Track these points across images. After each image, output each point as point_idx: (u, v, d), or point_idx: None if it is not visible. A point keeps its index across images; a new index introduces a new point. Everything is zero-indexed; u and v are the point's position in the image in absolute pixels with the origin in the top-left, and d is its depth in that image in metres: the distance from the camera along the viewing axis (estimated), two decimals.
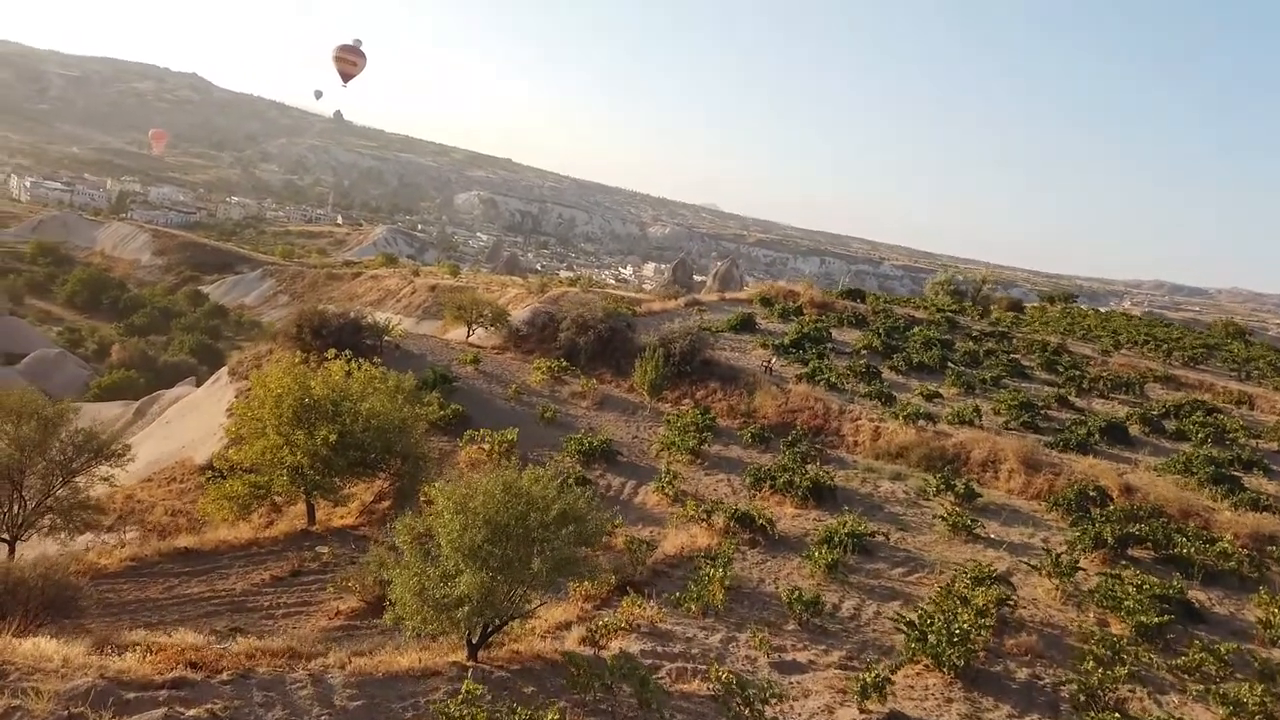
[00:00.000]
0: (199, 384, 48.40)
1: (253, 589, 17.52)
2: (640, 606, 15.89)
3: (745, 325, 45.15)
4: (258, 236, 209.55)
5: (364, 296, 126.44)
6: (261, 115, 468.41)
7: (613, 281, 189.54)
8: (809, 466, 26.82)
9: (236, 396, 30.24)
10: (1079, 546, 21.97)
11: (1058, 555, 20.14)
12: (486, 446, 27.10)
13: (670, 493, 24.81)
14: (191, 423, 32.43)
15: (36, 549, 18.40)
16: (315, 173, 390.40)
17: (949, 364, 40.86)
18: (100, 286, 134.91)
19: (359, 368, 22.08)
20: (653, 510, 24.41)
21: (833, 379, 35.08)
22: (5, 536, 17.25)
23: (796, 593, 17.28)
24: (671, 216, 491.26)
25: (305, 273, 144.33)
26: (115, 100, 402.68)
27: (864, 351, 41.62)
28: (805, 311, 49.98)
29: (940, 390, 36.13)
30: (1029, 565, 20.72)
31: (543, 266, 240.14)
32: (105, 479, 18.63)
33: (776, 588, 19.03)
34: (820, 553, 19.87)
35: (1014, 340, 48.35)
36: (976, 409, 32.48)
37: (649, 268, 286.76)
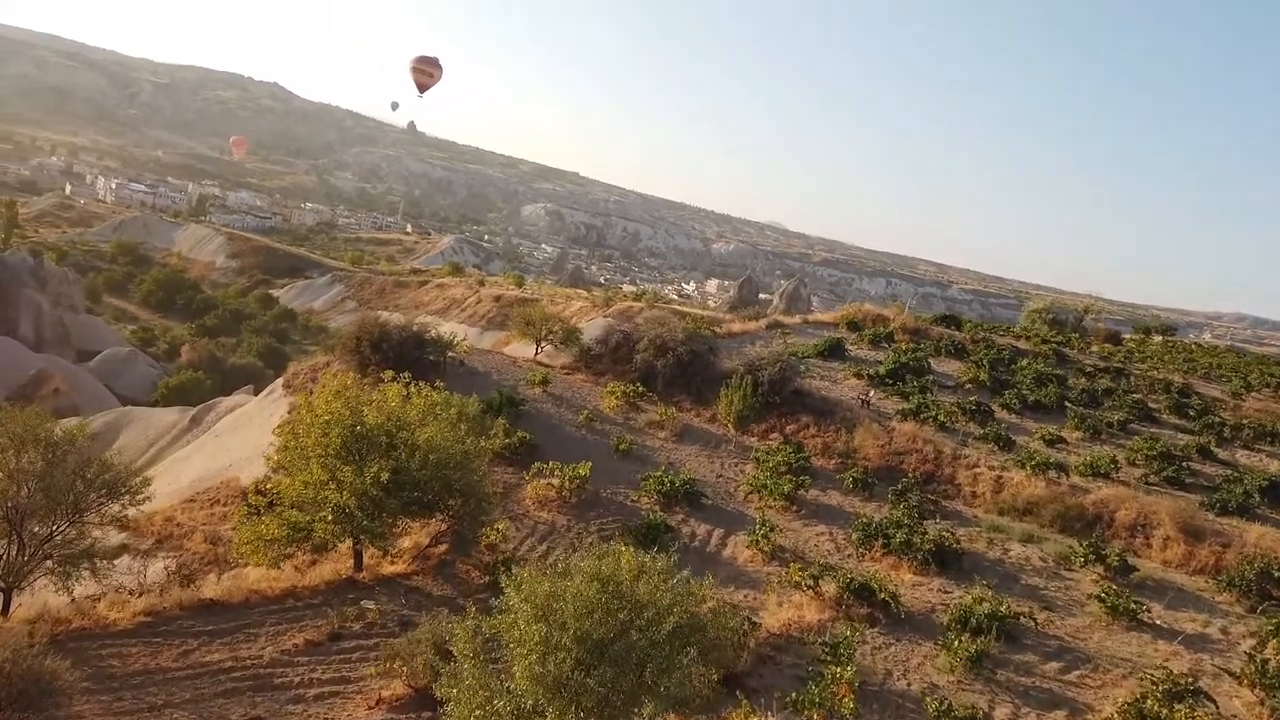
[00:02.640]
0: (258, 391, 46.61)
1: (283, 657, 14.70)
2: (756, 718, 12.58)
3: (834, 351, 41.46)
4: (329, 242, 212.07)
5: (430, 305, 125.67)
6: (338, 125, 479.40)
7: (675, 297, 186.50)
8: (927, 523, 23.15)
9: (289, 412, 27.78)
10: (1271, 642, 17.92)
11: (1263, 660, 16.18)
12: (556, 482, 24.09)
13: (766, 548, 21.42)
14: (241, 438, 30.18)
15: (41, 596, 15.95)
16: (388, 181, 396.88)
17: (1066, 403, 36.60)
18: (175, 287, 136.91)
19: (419, 391, 19.27)
20: (745, 568, 21.06)
21: (940, 417, 31.26)
22: (1, 585, 14.79)
23: (944, 704, 13.76)
24: (735, 233, 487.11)
25: (373, 279, 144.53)
26: (201, 107, 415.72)
27: (969, 386, 37.59)
28: (897, 338, 46.01)
29: (1062, 434, 31.99)
30: (1217, 668, 16.80)
31: (606, 279, 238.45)
32: (117, 519, 15.99)
33: (909, 684, 15.53)
34: (959, 641, 16.28)
35: (1131, 377, 43.68)
36: (1113, 460, 28.32)
37: (712, 284, 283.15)
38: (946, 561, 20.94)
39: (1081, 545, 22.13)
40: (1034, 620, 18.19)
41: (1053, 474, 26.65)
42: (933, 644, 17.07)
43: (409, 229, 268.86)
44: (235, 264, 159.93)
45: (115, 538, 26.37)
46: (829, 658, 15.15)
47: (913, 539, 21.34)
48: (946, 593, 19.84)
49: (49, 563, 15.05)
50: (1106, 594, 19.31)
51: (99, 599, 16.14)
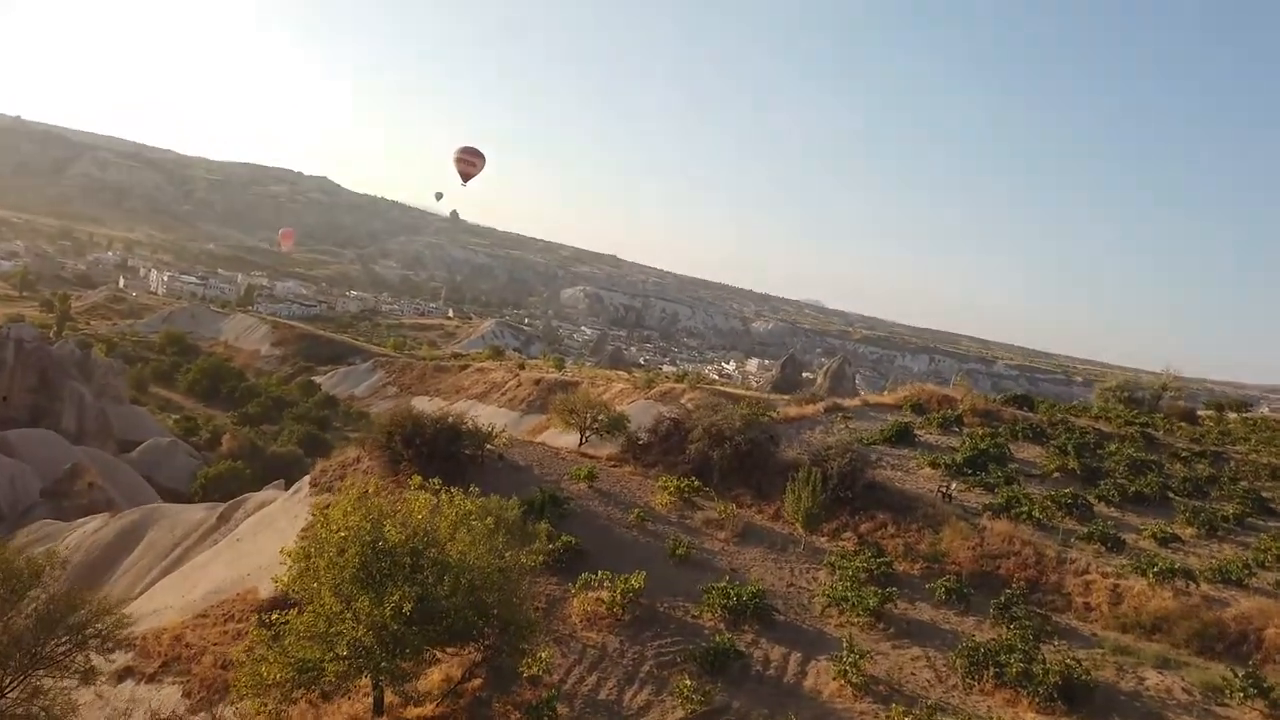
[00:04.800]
0: (291, 484, 44.44)
1: None
2: None
3: (902, 437, 38.26)
4: (372, 329, 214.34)
5: (470, 389, 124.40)
6: (384, 215, 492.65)
7: (716, 377, 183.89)
8: (1044, 647, 19.69)
9: (312, 514, 25.32)
10: None
11: None
12: (606, 596, 21.14)
13: (856, 679, 18.13)
14: (262, 542, 27.74)
15: None
16: (430, 268, 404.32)
17: (1170, 493, 32.88)
18: (220, 375, 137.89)
19: (450, 499, 16.69)
20: (833, 705, 17.75)
21: (1035, 513, 27.83)
22: None
23: None
24: (774, 312, 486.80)
25: (414, 364, 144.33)
26: (252, 202, 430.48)
27: (1057, 475, 34.08)
28: (967, 421, 42.69)
29: (1174, 530, 28.31)
30: None
31: (646, 360, 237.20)
32: (82, 672, 13.31)
33: None
34: None
35: (1231, 461, 39.71)
36: (1247, 565, 24.62)
37: (753, 363, 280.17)
38: (1075, 696, 17.46)
39: (1235, 675, 18.49)
40: None
41: (1179, 582, 23.03)
42: None
43: (450, 314, 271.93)
44: (279, 351, 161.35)
45: (120, 659, 23.92)
46: None
47: (1031, 668, 17.92)
48: None
49: None
50: None
51: None
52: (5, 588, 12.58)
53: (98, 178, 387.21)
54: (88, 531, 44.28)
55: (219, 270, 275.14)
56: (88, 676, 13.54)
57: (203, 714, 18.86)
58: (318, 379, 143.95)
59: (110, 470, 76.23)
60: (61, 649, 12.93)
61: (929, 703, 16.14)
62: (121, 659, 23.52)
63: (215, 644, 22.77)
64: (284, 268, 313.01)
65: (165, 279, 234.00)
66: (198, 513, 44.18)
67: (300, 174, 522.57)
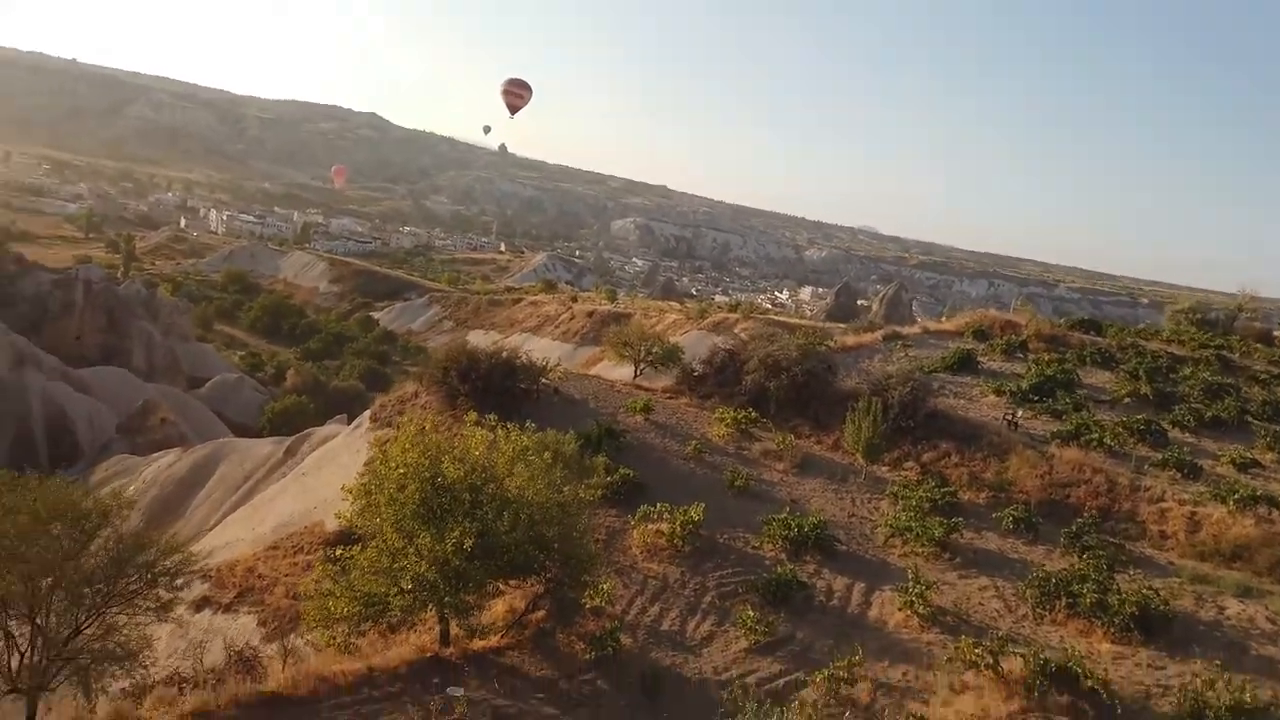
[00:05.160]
0: (354, 417, 45.28)
1: None
2: None
3: (964, 364, 37.24)
4: (426, 264, 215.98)
5: (524, 322, 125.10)
6: (433, 150, 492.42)
7: (769, 306, 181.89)
8: (1118, 577, 19.14)
9: (372, 451, 25.66)
10: None
11: None
12: (666, 528, 21.08)
13: (922, 610, 17.86)
14: (326, 477, 28.29)
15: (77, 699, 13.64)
16: (481, 203, 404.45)
17: (1249, 418, 31.54)
18: (281, 313, 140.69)
19: (506, 435, 16.57)
20: (899, 635, 17.53)
21: (1107, 440, 26.90)
22: (22, 686, 12.63)
23: None
24: (827, 239, 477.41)
25: (469, 299, 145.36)
26: (304, 140, 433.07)
27: (1129, 401, 32.88)
28: (1032, 347, 41.35)
29: (1253, 455, 27.17)
30: None
31: (698, 291, 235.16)
32: (159, 607, 13.58)
33: None
34: None
35: None
36: None
37: (806, 291, 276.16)
38: (1152, 626, 16.96)
39: None
40: None
41: (1261, 509, 22.14)
42: None
43: (502, 248, 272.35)
44: (337, 288, 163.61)
45: (197, 589, 24.77)
46: None
47: (1106, 598, 17.42)
48: (1159, 668, 15.93)
49: (75, 662, 12.82)
50: None
51: (144, 695, 13.93)
52: (76, 528, 12.85)
53: (152, 119, 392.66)
54: (162, 466, 45.87)
55: (275, 209, 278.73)
56: (164, 610, 13.83)
57: (277, 643, 19.41)
58: (375, 314, 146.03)
59: (181, 406, 78.75)
60: (132, 586, 13.22)
61: (999, 634, 15.78)
62: (199, 589, 24.39)
63: (286, 575, 23.43)
64: (338, 205, 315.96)
65: (224, 218, 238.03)
66: (265, 446, 45.39)
67: (350, 110, 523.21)
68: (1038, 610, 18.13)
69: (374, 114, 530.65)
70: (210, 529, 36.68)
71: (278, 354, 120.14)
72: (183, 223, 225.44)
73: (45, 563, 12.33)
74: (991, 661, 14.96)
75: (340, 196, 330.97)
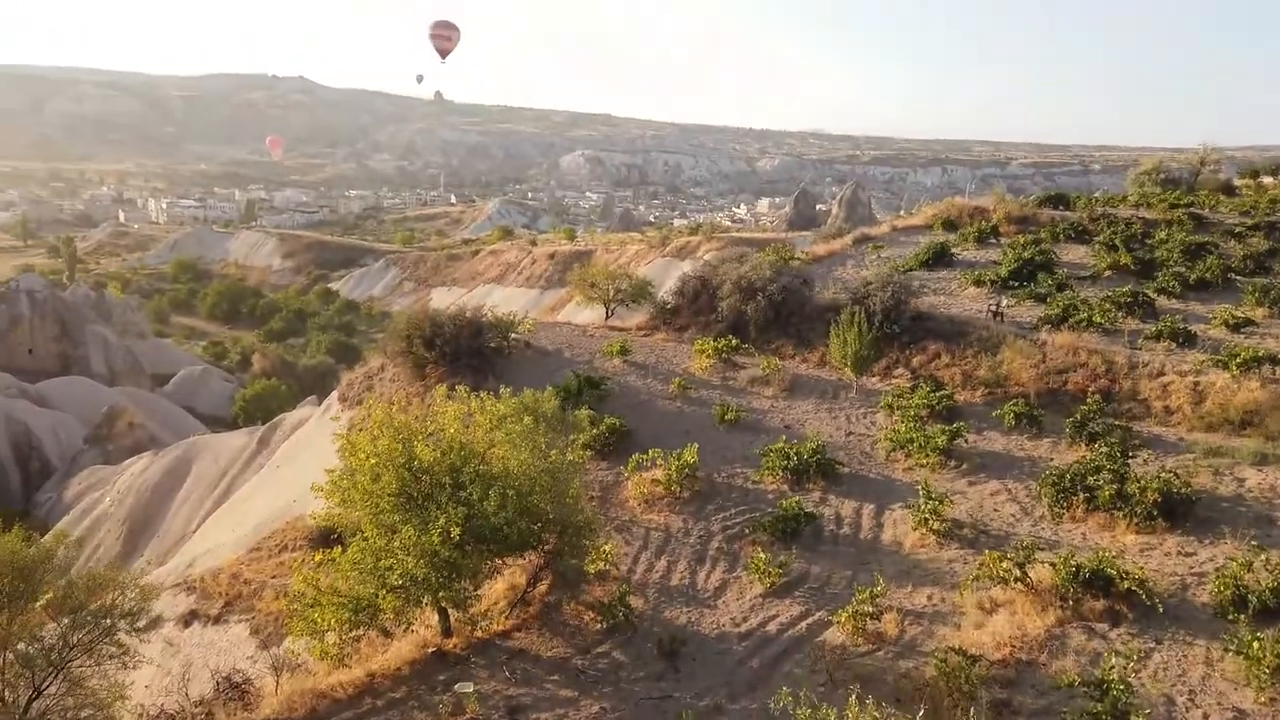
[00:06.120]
0: (325, 397, 43.81)
1: None
2: None
3: (939, 259, 36.34)
4: (378, 226, 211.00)
5: (485, 273, 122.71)
6: (368, 106, 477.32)
7: (729, 223, 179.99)
8: (1132, 462, 18.49)
9: (348, 430, 24.38)
10: None
11: None
12: (661, 475, 20.16)
13: (937, 525, 17.15)
14: (301, 467, 27.09)
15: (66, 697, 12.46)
16: (425, 156, 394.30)
17: (1232, 275, 30.99)
18: (237, 296, 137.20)
19: (481, 406, 15.37)
20: (917, 555, 16.83)
21: (1096, 318, 26.15)
22: None
23: None
24: (778, 147, 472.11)
25: (426, 257, 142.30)
26: (232, 114, 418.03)
27: (1110, 274, 32.20)
28: (1003, 231, 40.53)
29: (1244, 314, 26.60)
30: None
31: (656, 217, 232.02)
32: (119, 655, 12.38)
33: (1205, 715, 11.25)
34: (1255, 640, 11.85)
35: None
36: None
37: (763, 204, 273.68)
38: (1176, 511, 16.34)
39: None
40: None
41: (1265, 369, 21.55)
42: (1207, 642, 12.70)
43: (453, 200, 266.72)
44: (291, 263, 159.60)
45: (184, 602, 23.73)
46: (1094, 696, 10.93)
47: (1125, 487, 16.75)
48: (1188, 554, 15.34)
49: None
50: None
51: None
52: (18, 582, 11.60)
53: (76, 112, 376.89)
54: (135, 473, 44.38)
55: (215, 189, 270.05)
56: (126, 656, 12.68)
57: (271, 651, 18.48)
58: (334, 285, 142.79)
59: (149, 406, 76.68)
60: (89, 636, 12.08)
61: (1022, 541, 15.07)
62: (185, 603, 23.39)
63: (274, 576, 22.41)
64: (279, 177, 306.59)
65: (164, 207, 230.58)
66: (238, 439, 43.98)
67: (275, 77, 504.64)
68: (1055, 509, 17.47)
69: (302, 77, 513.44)
70: (194, 531, 35.54)
71: (240, 339, 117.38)
72: (122, 217, 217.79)
73: None
74: (1019, 574, 14.25)
75: (280, 168, 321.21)
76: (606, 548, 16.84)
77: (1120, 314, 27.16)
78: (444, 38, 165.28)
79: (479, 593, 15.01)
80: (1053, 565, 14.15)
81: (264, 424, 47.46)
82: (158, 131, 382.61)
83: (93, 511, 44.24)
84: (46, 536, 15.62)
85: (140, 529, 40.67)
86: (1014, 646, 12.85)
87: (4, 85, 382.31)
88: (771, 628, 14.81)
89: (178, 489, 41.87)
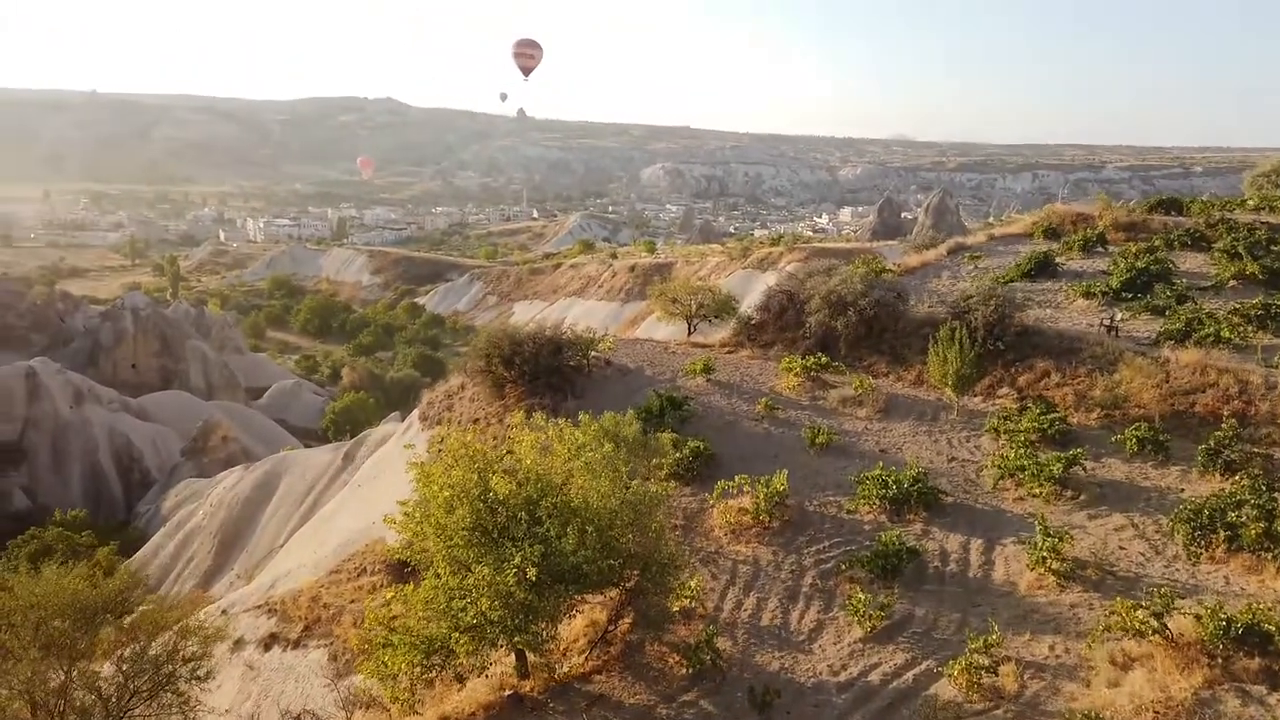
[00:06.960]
0: (411, 409, 44.03)
1: None
2: None
3: (1042, 269, 34.17)
4: (463, 242, 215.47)
5: (566, 287, 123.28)
6: (453, 125, 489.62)
7: (811, 233, 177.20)
8: (1279, 495, 16.54)
9: (426, 450, 23.98)
10: None
11: None
12: (749, 504, 19.04)
13: (1057, 566, 15.56)
14: (383, 486, 26.90)
15: None
16: (507, 172, 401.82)
17: None
18: (328, 311, 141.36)
19: (559, 435, 14.60)
20: (1034, 599, 15.28)
21: (1223, 332, 23.95)
22: None
23: None
24: (860, 156, 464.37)
25: (509, 271, 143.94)
26: (326, 135, 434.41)
27: (1235, 284, 29.66)
28: (1110, 239, 38.00)
29: None
30: None
31: (736, 228, 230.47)
32: (178, 704, 11.90)
33: None
34: None
35: None
36: None
37: (845, 213, 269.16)
38: None
39: None
40: None
41: None
42: None
43: (535, 215, 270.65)
44: (379, 279, 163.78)
45: (265, 625, 23.68)
46: None
47: (1275, 525, 14.92)
48: None
49: None
50: None
51: None
52: (80, 626, 11.27)
53: (179, 137, 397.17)
54: (226, 487, 45.39)
55: (309, 209, 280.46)
56: (187, 706, 12.28)
57: (348, 679, 18.06)
58: (420, 300, 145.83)
59: (243, 420, 79.09)
60: (148, 686, 11.70)
61: (1157, 587, 13.46)
62: (266, 625, 23.32)
63: (352, 601, 22.09)
64: (369, 195, 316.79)
65: (261, 225, 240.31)
66: (324, 455, 44.56)
67: (365, 99, 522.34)
68: (1191, 549, 15.70)
69: (390, 98, 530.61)
70: (280, 546, 35.95)
71: (331, 353, 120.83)
72: (222, 236, 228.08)
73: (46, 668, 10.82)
74: (1158, 625, 12.67)
75: (370, 186, 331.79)
76: (692, 583, 15.85)
77: (1251, 328, 24.84)
78: (527, 55, 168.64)
79: (557, 631, 14.16)
80: (1197, 617, 12.52)
81: (350, 438, 48.22)
82: (256, 154, 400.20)
83: (187, 524, 45.45)
84: (144, 548, 15.56)
85: (231, 542, 41.50)
86: (1156, 711, 11.32)
87: (110, 115, 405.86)
88: (874, 678, 13.55)
89: (266, 503, 42.62)
